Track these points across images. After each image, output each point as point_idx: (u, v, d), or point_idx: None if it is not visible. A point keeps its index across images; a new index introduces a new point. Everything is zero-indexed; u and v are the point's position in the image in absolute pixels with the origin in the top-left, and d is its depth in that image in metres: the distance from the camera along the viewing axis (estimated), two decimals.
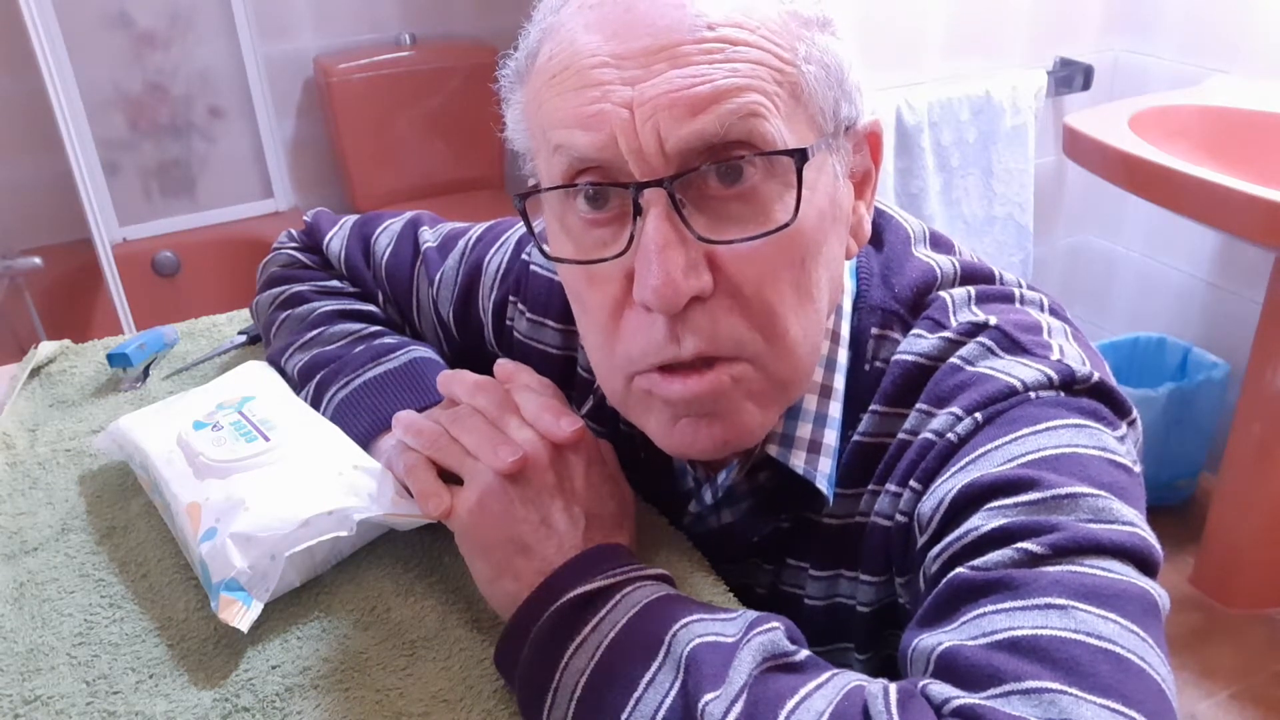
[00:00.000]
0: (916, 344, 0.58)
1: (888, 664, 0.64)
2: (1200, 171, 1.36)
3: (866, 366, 0.60)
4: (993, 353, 0.56)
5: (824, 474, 0.59)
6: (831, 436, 0.59)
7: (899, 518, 0.56)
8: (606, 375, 0.57)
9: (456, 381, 0.63)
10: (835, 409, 0.59)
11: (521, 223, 0.76)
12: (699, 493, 0.66)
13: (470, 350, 0.77)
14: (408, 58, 2.43)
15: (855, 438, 0.59)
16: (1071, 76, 1.90)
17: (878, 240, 0.64)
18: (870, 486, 0.59)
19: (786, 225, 0.50)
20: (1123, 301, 2.11)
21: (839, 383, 0.60)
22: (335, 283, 0.82)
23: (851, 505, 0.60)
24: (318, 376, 0.72)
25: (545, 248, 0.56)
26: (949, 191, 1.82)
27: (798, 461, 0.59)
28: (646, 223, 0.50)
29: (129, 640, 0.58)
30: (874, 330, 0.60)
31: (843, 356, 0.60)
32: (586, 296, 0.55)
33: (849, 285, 0.61)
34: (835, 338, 0.60)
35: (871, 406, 0.59)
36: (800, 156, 0.50)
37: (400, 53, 2.44)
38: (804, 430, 0.59)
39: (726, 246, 0.50)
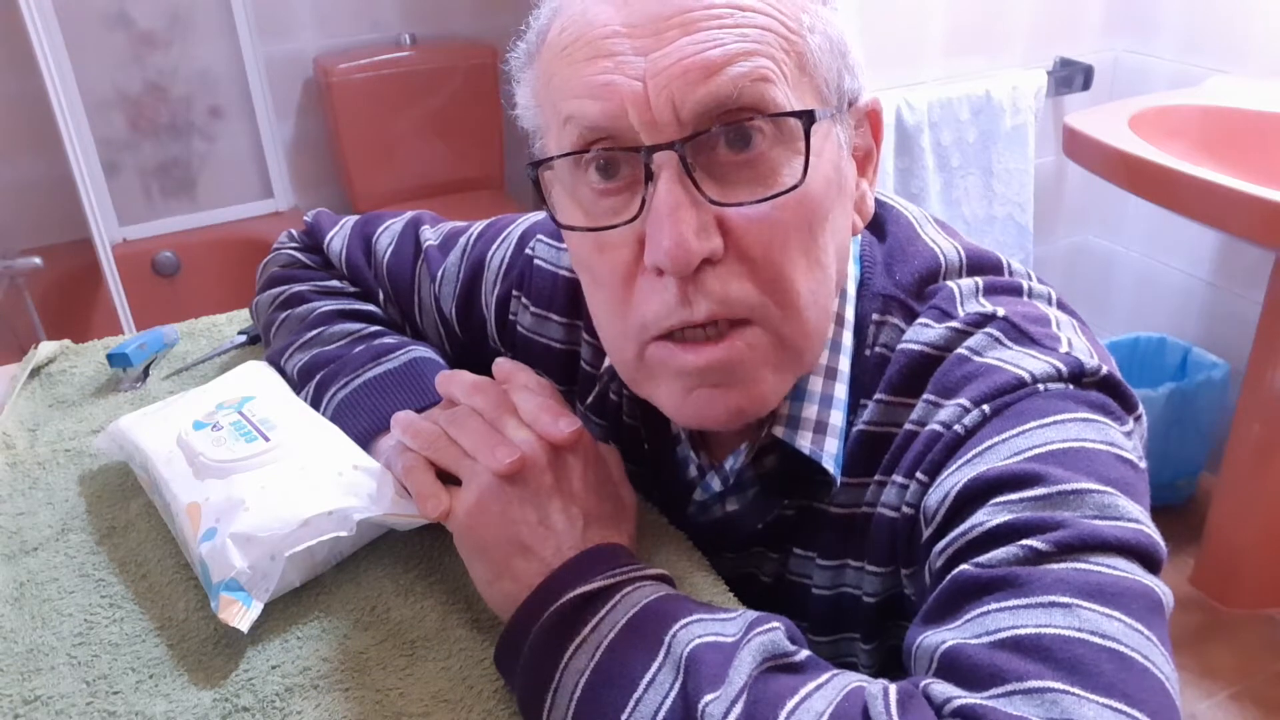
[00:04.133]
0: (923, 333, 0.58)
1: (893, 654, 0.64)
2: (1200, 171, 1.36)
3: (867, 351, 0.60)
4: (1001, 344, 0.56)
5: (830, 454, 0.59)
6: (837, 418, 0.59)
7: (905, 509, 0.56)
8: (619, 345, 0.57)
9: (454, 382, 0.63)
10: (840, 390, 0.60)
11: (523, 218, 0.76)
12: (704, 481, 0.66)
13: (473, 347, 0.77)
14: (408, 58, 2.43)
15: (861, 427, 0.59)
16: (1071, 76, 1.90)
17: (880, 230, 0.64)
18: (877, 477, 0.59)
19: (795, 187, 0.51)
20: (1123, 301, 2.11)
21: (844, 365, 0.60)
22: (335, 283, 0.82)
23: (858, 495, 0.60)
24: (317, 376, 0.72)
25: (556, 216, 0.56)
26: (949, 191, 1.82)
27: (804, 442, 0.59)
28: (658, 186, 0.50)
29: (129, 640, 0.58)
30: (875, 316, 0.60)
31: (847, 339, 0.60)
32: (597, 265, 0.55)
33: (853, 271, 0.62)
34: (840, 320, 0.60)
35: (877, 395, 0.59)
36: (808, 118, 0.51)
37: (400, 53, 2.44)
38: (809, 411, 0.59)
39: (736, 210, 0.51)
